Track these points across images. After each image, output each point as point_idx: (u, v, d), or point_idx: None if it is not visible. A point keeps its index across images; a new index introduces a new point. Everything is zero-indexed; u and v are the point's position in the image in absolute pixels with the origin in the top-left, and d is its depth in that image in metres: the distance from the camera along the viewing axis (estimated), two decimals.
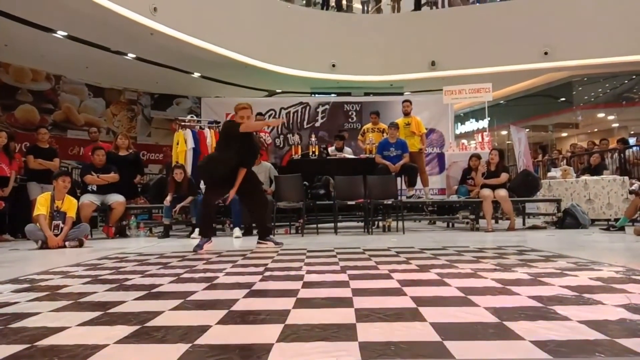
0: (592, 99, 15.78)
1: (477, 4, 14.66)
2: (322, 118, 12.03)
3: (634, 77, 14.81)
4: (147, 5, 8.96)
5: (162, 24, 9.32)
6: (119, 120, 13.08)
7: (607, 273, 2.75)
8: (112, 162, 7.08)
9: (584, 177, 8.07)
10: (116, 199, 6.78)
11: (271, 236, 5.11)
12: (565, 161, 11.32)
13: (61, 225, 5.45)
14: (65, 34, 9.32)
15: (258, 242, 4.94)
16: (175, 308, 2.08)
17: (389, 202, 6.70)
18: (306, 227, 6.70)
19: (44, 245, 5.28)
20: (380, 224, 7.32)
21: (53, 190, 5.61)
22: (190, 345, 1.52)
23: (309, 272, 3.04)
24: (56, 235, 5.37)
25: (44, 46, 9.87)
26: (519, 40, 12.24)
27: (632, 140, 11.56)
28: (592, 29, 11.75)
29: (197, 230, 6.42)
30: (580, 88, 15.52)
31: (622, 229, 6.12)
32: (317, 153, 8.10)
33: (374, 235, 6.32)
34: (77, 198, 6.21)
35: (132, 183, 7.47)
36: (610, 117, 16.46)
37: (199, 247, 4.62)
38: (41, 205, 5.42)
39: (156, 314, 1.96)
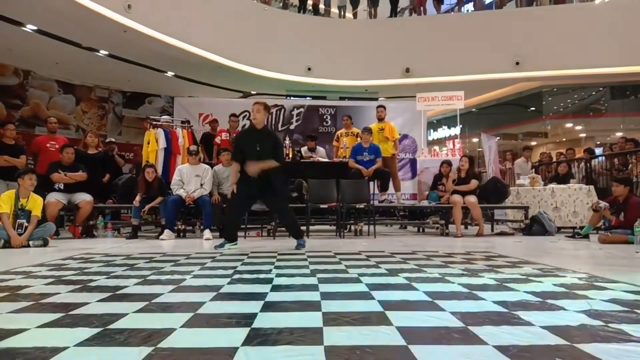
0: (561, 109, 16.18)
1: (452, 13, 14.92)
2: (296, 121, 12.02)
3: (601, 89, 15.26)
4: (122, 2, 8.83)
5: (136, 22, 9.21)
6: (89, 117, 12.79)
7: (571, 279, 2.81)
8: (80, 160, 6.94)
9: (551, 185, 8.23)
10: (83, 198, 6.65)
11: (304, 239, 5.13)
12: (533, 169, 11.55)
13: (25, 224, 5.32)
14: (35, 28, 9.08)
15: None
16: (140, 310, 2.04)
17: (361, 206, 6.73)
18: (278, 230, 6.67)
19: (7, 245, 5.13)
20: (352, 227, 7.35)
21: (18, 188, 5.46)
22: (153, 348, 1.49)
23: (278, 275, 3.02)
24: (20, 234, 5.23)
25: (12, 40, 9.58)
26: (491, 49, 12.51)
27: (598, 151, 11.87)
28: (563, 41, 12.10)
29: (166, 231, 6.34)
30: (550, 98, 15.90)
31: (586, 236, 6.29)
32: (290, 156, 8.12)
33: (345, 239, 6.33)
34: (44, 196, 6.05)
35: (100, 182, 7.33)
36: (578, 127, 16.88)
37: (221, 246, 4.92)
38: (4, 203, 5.27)
39: (120, 316, 1.92)
